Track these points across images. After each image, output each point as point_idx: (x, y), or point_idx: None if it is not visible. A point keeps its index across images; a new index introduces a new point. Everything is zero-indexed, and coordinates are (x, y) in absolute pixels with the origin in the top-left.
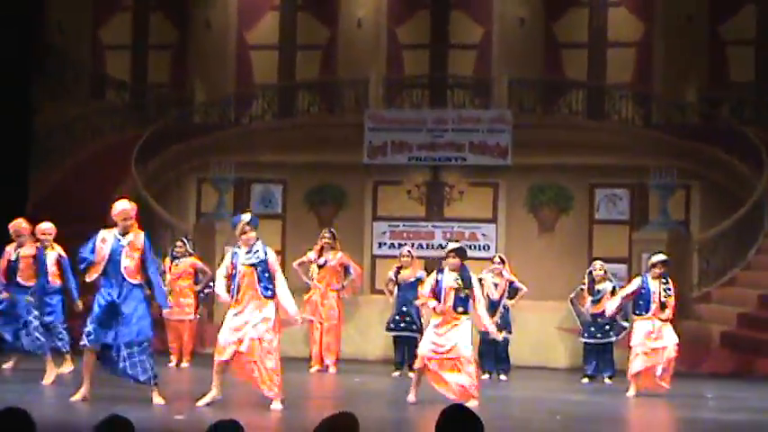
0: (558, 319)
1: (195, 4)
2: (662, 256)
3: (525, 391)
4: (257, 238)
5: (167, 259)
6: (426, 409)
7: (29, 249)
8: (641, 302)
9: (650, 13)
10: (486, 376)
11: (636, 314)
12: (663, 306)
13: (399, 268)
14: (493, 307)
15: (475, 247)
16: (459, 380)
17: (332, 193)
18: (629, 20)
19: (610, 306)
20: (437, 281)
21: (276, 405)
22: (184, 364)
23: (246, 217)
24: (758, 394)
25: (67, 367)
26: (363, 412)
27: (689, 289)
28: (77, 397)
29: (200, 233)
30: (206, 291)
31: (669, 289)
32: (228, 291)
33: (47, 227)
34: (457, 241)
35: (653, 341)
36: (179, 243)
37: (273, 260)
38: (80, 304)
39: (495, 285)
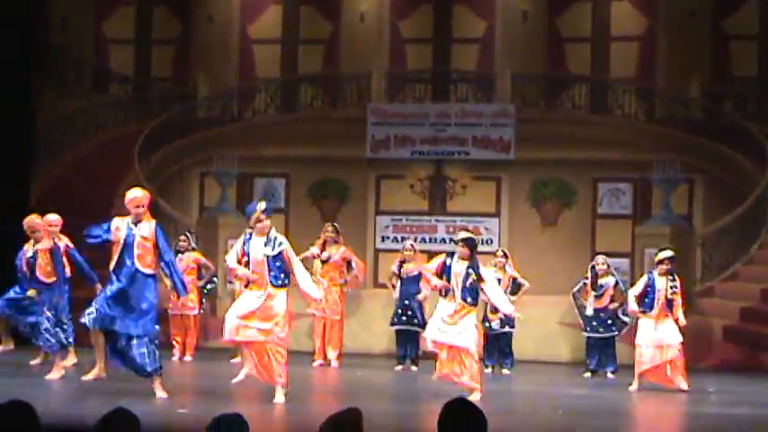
0: (561, 313)
1: None
2: (669, 252)
3: (528, 385)
4: (272, 227)
5: None
6: (429, 403)
7: (45, 244)
8: (646, 300)
9: (653, 7)
10: (489, 370)
11: (641, 312)
12: (669, 303)
13: (402, 262)
14: None
15: (478, 241)
16: (460, 371)
17: (335, 188)
18: (633, 14)
19: (631, 308)
20: (445, 263)
21: (279, 395)
22: (188, 358)
23: (262, 205)
24: (761, 388)
25: (71, 360)
26: (366, 406)
27: (692, 283)
28: (90, 377)
29: (204, 227)
30: (209, 286)
31: (675, 286)
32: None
33: (53, 219)
34: (469, 231)
35: (656, 339)
36: (182, 237)
37: (288, 248)
38: (99, 286)
39: (499, 281)
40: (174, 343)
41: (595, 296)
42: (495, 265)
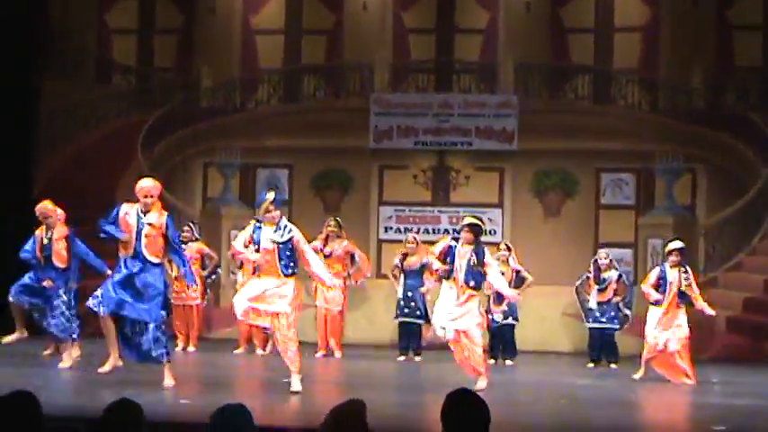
0: (564, 304)
1: None
2: (678, 243)
3: (531, 376)
4: (281, 216)
5: None
6: (432, 394)
7: (61, 230)
8: (658, 291)
9: None
10: (492, 361)
11: (652, 303)
12: (681, 295)
13: (405, 255)
14: (500, 296)
15: None
16: (460, 359)
17: (338, 178)
18: (636, 4)
19: (654, 298)
20: (450, 246)
21: (296, 382)
22: (191, 349)
23: (271, 195)
24: (764, 379)
25: (75, 352)
26: (369, 397)
27: (694, 274)
28: (107, 368)
29: (207, 218)
30: (213, 276)
31: (689, 278)
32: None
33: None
34: (476, 217)
35: (665, 330)
36: (186, 228)
37: (299, 236)
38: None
39: (502, 274)
40: (177, 334)
41: (598, 290)
42: (499, 259)
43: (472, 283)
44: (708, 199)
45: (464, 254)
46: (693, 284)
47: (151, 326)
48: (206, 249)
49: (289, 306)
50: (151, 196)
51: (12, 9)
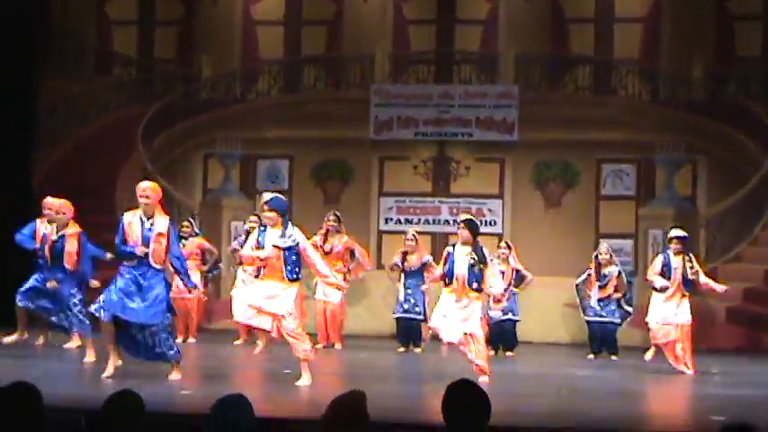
0: (564, 295)
1: None
2: (680, 232)
3: (531, 367)
4: (287, 221)
5: None
6: (433, 385)
7: (73, 228)
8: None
9: None
10: (492, 353)
11: (660, 288)
12: (686, 283)
13: (405, 254)
14: None
15: (481, 222)
16: (469, 357)
17: (338, 169)
18: None
19: (660, 285)
20: (449, 254)
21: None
22: (191, 340)
23: (266, 196)
24: (764, 369)
25: (74, 343)
26: (370, 388)
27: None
28: (111, 370)
29: (207, 209)
30: (214, 272)
31: (693, 266)
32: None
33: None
34: (471, 213)
35: (668, 317)
36: (185, 223)
37: (305, 244)
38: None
39: (502, 273)
40: (176, 326)
41: (599, 286)
42: (499, 257)
43: (475, 285)
44: (708, 190)
45: (464, 257)
46: (700, 271)
47: (160, 329)
48: (206, 245)
49: (291, 306)
50: (146, 197)
51: (12, 3)
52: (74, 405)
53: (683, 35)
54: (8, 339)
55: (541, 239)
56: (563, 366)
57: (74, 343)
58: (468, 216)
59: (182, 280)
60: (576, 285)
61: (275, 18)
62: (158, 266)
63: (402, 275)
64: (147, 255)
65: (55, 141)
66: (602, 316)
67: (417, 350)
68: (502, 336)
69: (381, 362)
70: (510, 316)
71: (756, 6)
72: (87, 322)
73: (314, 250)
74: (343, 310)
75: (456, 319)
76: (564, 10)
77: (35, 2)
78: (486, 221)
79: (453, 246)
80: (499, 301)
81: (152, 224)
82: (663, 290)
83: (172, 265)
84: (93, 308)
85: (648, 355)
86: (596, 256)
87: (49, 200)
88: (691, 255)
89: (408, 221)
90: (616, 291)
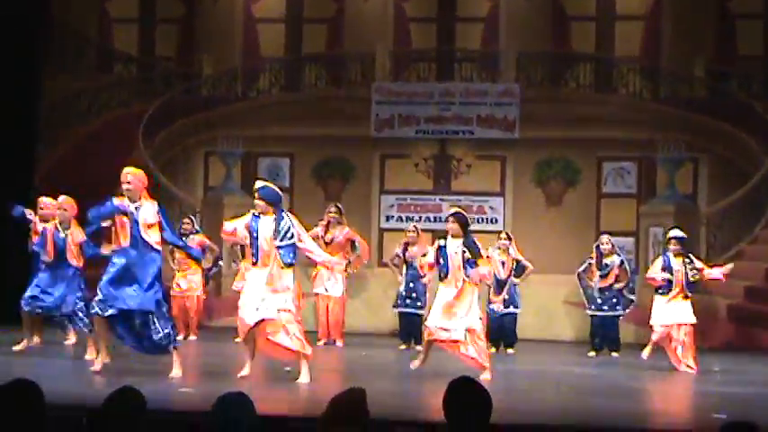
0: (565, 292)
1: None
2: (678, 232)
3: (531, 364)
4: (279, 210)
5: None
6: (434, 382)
7: (76, 234)
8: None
9: None
10: (493, 350)
11: (659, 293)
12: (688, 285)
13: (406, 245)
14: (500, 285)
15: (482, 220)
16: (469, 352)
17: (339, 167)
18: None
19: (662, 279)
20: (439, 246)
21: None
22: (192, 337)
23: (258, 184)
24: (765, 367)
25: (71, 339)
26: (371, 385)
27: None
28: (98, 366)
29: (208, 207)
30: (214, 269)
31: (695, 268)
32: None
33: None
34: (460, 207)
35: (671, 319)
36: (186, 221)
37: (297, 225)
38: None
39: (503, 264)
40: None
41: (600, 275)
42: (499, 248)
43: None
44: (709, 188)
45: (455, 249)
46: (704, 267)
47: (155, 315)
48: (207, 242)
49: (290, 296)
50: (128, 182)
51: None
52: (75, 402)
53: (685, 33)
54: (18, 347)
55: (542, 237)
56: (563, 363)
57: (70, 340)
58: (457, 209)
59: (188, 255)
60: (578, 274)
61: (276, 16)
62: (155, 246)
63: (404, 267)
64: (129, 234)
65: (56, 139)
66: (603, 310)
67: (419, 347)
68: (502, 332)
69: (382, 359)
70: (511, 309)
71: (757, 5)
72: (88, 320)
73: (309, 239)
74: (343, 305)
75: (456, 315)
76: (565, 8)
77: (36, 0)
78: (487, 219)
79: (444, 239)
80: (500, 293)
81: (141, 211)
82: (664, 289)
83: (171, 244)
84: (94, 310)
85: (645, 353)
86: (597, 246)
87: (44, 199)
88: (691, 255)
89: (409, 219)
90: (617, 281)
